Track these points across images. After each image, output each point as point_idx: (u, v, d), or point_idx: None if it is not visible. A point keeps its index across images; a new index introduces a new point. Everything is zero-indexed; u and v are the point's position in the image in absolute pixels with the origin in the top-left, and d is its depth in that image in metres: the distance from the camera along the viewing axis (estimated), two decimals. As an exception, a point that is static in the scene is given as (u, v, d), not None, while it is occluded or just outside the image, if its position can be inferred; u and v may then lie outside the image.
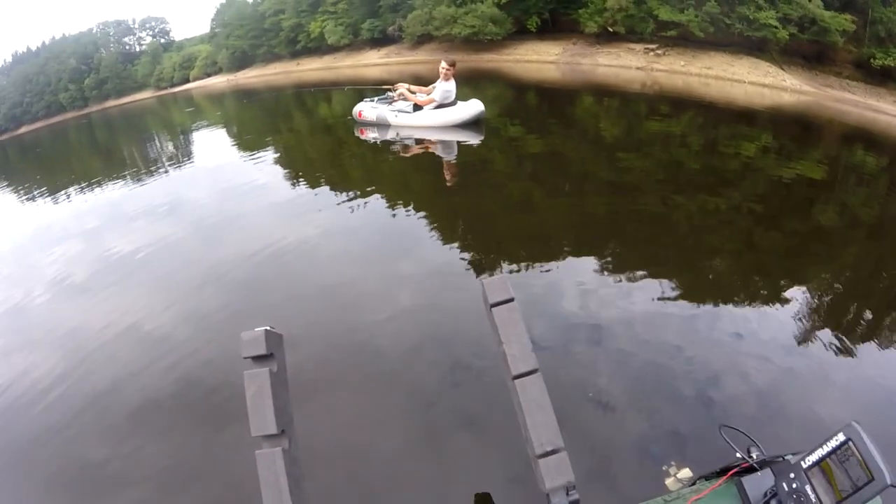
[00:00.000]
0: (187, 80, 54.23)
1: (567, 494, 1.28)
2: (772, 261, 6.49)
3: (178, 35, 66.12)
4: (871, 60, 26.20)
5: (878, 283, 6.82)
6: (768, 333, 4.54)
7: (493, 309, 1.51)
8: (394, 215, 6.31)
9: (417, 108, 10.07)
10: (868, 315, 5.60)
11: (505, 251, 5.38)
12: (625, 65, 23.91)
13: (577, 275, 4.89)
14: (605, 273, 4.99)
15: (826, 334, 4.72)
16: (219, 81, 47.96)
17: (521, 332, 1.41)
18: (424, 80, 11.35)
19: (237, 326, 1.95)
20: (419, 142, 9.57)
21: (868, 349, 4.69)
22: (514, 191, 7.49)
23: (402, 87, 10.39)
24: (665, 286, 4.87)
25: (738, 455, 1.49)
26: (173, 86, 54.63)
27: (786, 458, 1.33)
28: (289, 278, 4.83)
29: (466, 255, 5.11)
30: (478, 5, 28.06)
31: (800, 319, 5.11)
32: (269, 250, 5.40)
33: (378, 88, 11.91)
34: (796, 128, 18.68)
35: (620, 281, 4.88)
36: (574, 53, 24.73)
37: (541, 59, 24.19)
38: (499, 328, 1.48)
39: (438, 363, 3.40)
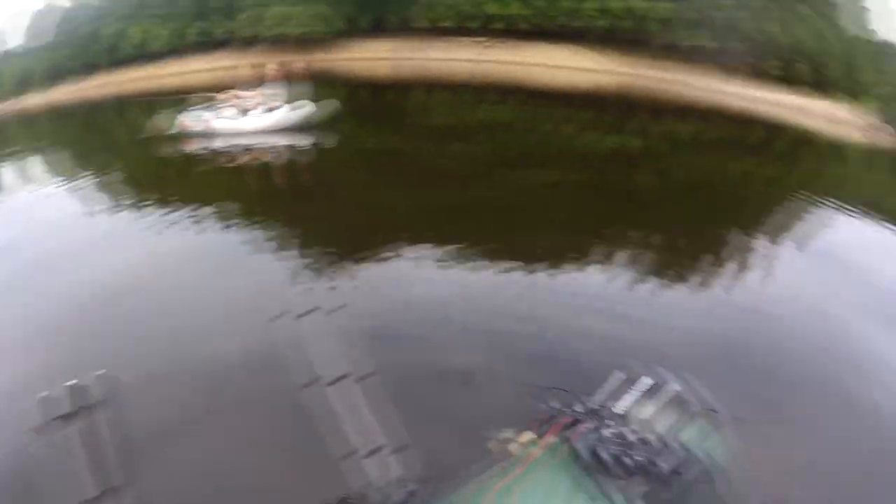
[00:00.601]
0: (-5, 102, 48.74)
1: (400, 486, 1.36)
2: (600, 224, 7.08)
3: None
4: (681, 42, 29.63)
5: (691, 235, 7.62)
6: (600, 288, 5.02)
7: (299, 320, 1.62)
8: (227, 231, 6.00)
9: (246, 113, 9.78)
10: (685, 264, 6.31)
11: (343, 251, 5.37)
12: (455, 58, 24.57)
13: (420, 264, 5.04)
14: (446, 258, 5.15)
15: (649, 284, 5.24)
16: (32, 101, 43.55)
17: (331, 340, 1.48)
18: (254, 84, 11.00)
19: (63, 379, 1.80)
20: (249, 149, 9.21)
21: (682, 294, 5.31)
22: (351, 189, 7.47)
23: (230, 94, 10.04)
24: (503, 261, 5.17)
25: (561, 410, 1.57)
26: (-21, 110, 48.81)
27: (606, 406, 1.43)
28: (116, 318, 4.33)
29: (302, 262, 5.06)
30: (309, 5, 27.66)
31: (628, 272, 5.66)
32: (94, 288, 4.76)
33: (205, 96, 11.35)
34: (613, 106, 20.21)
35: (462, 264, 5.07)
36: (406, 49, 25.07)
37: (373, 57, 24.15)
38: (307, 338, 1.56)
39: (280, 384, 3.30)
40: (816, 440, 3.76)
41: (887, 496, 3.41)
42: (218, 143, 9.67)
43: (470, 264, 5.09)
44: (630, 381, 1.36)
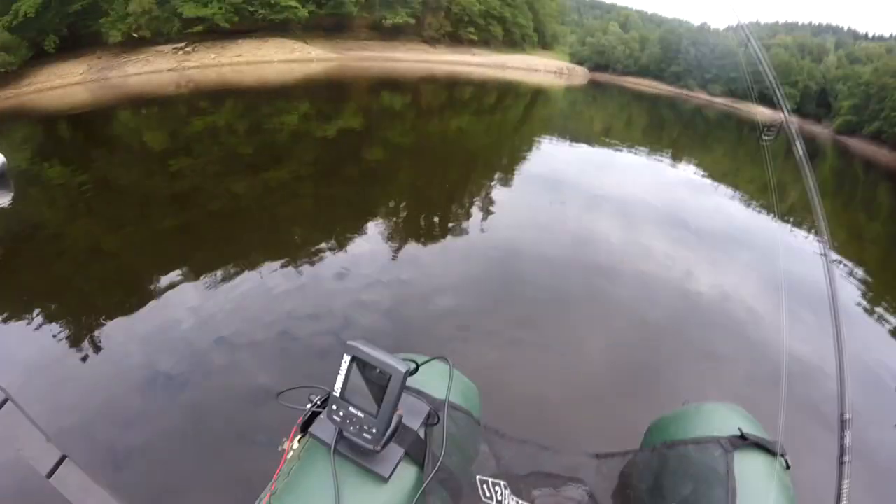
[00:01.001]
0: None
1: None
2: (346, 206, 7.65)
3: None
4: (383, 21, 32.34)
5: (437, 190, 8.56)
6: (366, 263, 5.57)
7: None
8: None
9: None
10: (423, 222, 7.18)
11: (83, 312, 4.99)
12: (156, 69, 23.58)
13: (178, 301, 4.87)
14: (203, 283, 5.16)
15: (413, 247, 6.04)
16: None
17: (31, 429, 1.12)
18: None
19: None
20: None
21: (445, 246, 6.19)
22: (75, 239, 6.79)
23: None
24: (264, 268, 5.39)
25: (298, 408, 1.51)
26: None
27: (332, 390, 1.37)
28: None
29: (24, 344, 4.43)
30: (-18, 36, 23.90)
31: (387, 240, 6.30)
32: None
33: None
34: (328, 91, 21.00)
35: (220, 284, 5.13)
36: (101, 68, 23.21)
37: (66, 83, 21.63)
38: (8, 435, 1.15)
39: None
40: (569, 340, 4.51)
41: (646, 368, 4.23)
42: None
43: (226, 286, 5.13)
44: (342, 360, 1.31)
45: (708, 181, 12.22)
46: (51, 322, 4.69)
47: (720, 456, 1.58)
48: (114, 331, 4.52)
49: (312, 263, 5.57)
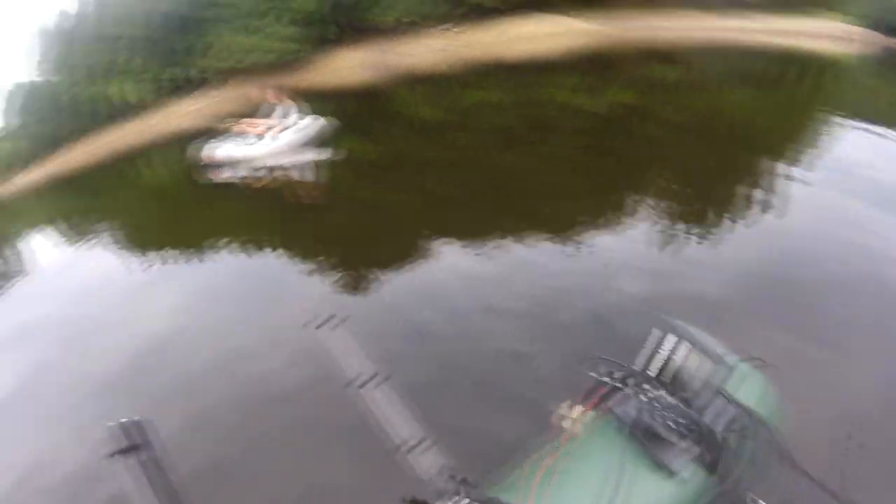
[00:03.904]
0: (-6, 185, 48.42)
1: (450, 477, 1.28)
2: (616, 182, 7.18)
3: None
4: None
5: (710, 174, 7.68)
6: (627, 249, 5.13)
7: (318, 331, 1.54)
8: (265, 259, 6.08)
9: (262, 138, 10.13)
10: (708, 207, 6.43)
11: (372, 262, 5.44)
12: (429, 49, 24.63)
13: (451, 259, 5.13)
14: (474, 249, 5.28)
15: (675, 234, 5.37)
16: (33, 176, 43.19)
17: (352, 345, 1.42)
18: (246, 115, 11.04)
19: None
20: (272, 169, 9.52)
21: (710, 239, 5.38)
22: (366, 196, 7.64)
23: (243, 122, 10.44)
24: (533, 239, 5.30)
25: (601, 380, 1.50)
26: (-19, 196, 48.38)
27: (643, 369, 1.37)
28: (168, 364, 4.33)
29: (337, 280, 5.13)
30: (275, 28, 27.60)
31: (653, 227, 5.74)
32: (142, 340, 4.76)
33: (217, 129, 11.46)
34: (597, 63, 20.21)
35: (489, 250, 5.19)
36: (379, 51, 25.11)
37: (350, 65, 23.94)
38: (329, 348, 1.49)
39: (313, 393, 3.37)
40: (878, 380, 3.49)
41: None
42: (242, 170, 9.99)
43: (490, 248, 5.21)
44: (664, 340, 1.30)
45: None
46: (336, 268, 5.42)
47: None
48: (386, 282, 4.92)
49: (578, 244, 5.22)
